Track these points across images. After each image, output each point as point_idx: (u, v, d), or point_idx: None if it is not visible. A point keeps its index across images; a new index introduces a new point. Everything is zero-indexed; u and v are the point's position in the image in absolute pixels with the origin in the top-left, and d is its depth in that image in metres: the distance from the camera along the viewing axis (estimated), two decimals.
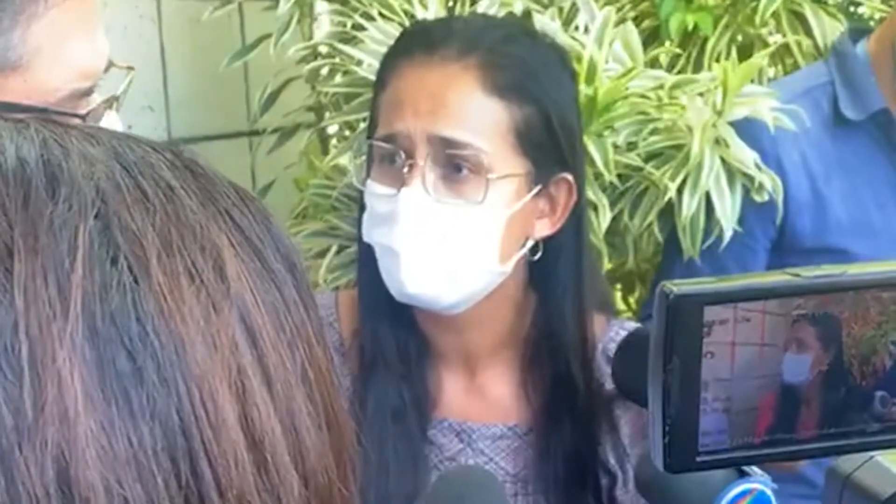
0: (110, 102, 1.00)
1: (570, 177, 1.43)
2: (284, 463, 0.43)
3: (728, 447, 0.73)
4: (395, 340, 1.46)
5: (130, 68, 1.02)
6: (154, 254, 0.41)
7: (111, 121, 0.98)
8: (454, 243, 1.37)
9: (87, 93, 0.97)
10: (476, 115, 1.37)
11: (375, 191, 1.40)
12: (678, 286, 0.70)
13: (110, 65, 0.99)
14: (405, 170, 1.37)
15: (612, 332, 1.49)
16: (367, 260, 1.43)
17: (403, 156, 1.37)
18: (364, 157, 1.45)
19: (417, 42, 1.43)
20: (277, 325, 0.44)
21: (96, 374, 0.39)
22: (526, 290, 1.47)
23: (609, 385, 1.43)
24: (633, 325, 1.56)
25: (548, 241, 1.44)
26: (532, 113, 1.39)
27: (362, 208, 1.45)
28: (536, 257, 1.43)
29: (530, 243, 1.43)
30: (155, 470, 0.40)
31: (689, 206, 1.79)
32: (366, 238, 1.43)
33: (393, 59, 1.44)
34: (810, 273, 0.73)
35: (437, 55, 1.39)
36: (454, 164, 1.37)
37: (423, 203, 1.36)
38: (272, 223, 0.47)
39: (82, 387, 0.39)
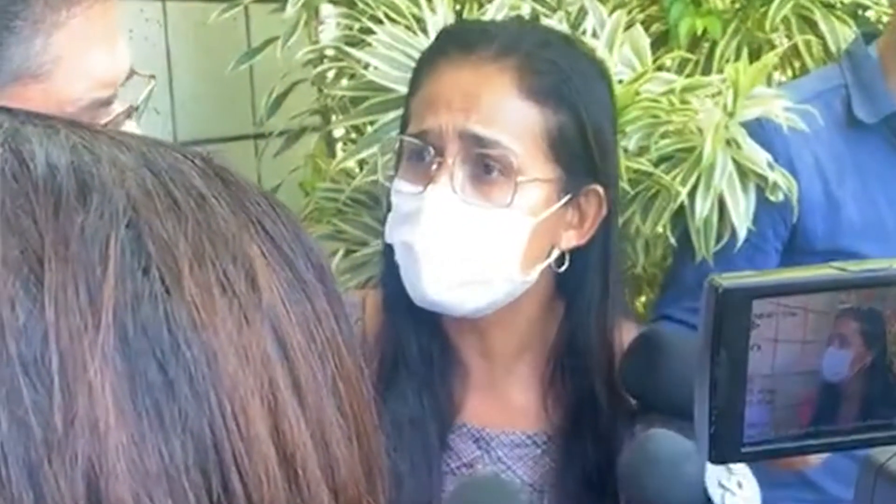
0: (129, 112, 0.99)
1: (600, 189, 1.40)
2: (315, 477, 0.43)
3: (772, 438, 0.74)
4: (419, 345, 1.43)
5: (152, 77, 1.02)
6: (186, 264, 0.41)
7: (130, 130, 0.98)
8: (477, 246, 1.35)
9: (107, 102, 0.96)
10: (510, 116, 1.35)
11: (401, 189, 1.38)
12: (727, 280, 0.71)
13: (132, 73, 0.99)
14: (433, 167, 1.35)
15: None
16: (391, 263, 1.40)
17: (433, 152, 1.35)
18: (391, 155, 1.43)
19: (454, 42, 1.42)
20: (308, 337, 0.43)
21: (127, 386, 0.39)
22: (553, 296, 1.44)
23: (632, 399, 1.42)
24: None
25: (574, 253, 1.42)
26: (566, 120, 1.37)
27: (388, 209, 1.43)
28: (562, 269, 1.41)
29: (556, 253, 1.40)
30: (186, 485, 0.39)
31: (702, 208, 1.79)
32: (388, 238, 1.40)
33: (429, 59, 1.43)
34: (857, 267, 0.73)
35: (473, 55, 1.37)
36: (484, 164, 1.35)
37: (449, 202, 1.34)
38: (302, 232, 0.46)
39: (113, 399, 0.38)
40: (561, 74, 1.38)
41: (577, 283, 1.42)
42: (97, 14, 0.94)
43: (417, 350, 1.43)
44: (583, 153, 1.39)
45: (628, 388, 1.34)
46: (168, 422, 0.39)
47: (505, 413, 1.46)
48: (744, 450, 0.73)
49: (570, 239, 1.41)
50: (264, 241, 0.44)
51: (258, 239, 0.43)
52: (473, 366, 1.46)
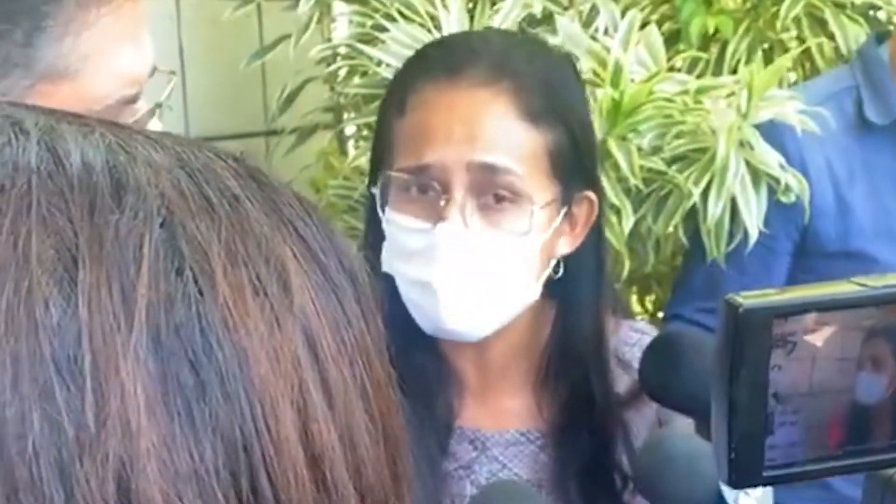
0: (154, 109, 0.99)
1: (592, 194, 1.40)
2: (343, 479, 0.43)
3: (796, 461, 0.72)
4: (414, 359, 1.41)
5: (172, 73, 1.01)
6: (219, 265, 0.40)
7: (154, 128, 0.98)
8: (493, 276, 1.34)
9: (134, 99, 0.96)
10: (513, 141, 1.33)
11: (404, 224, 1.35)
12: (746, 298, 0.69)
13: (154, 69, 0.98)
14: (441, 203, 1.32)
15: (622, 334, 1.47)
16: (389, 291, 1.36)
17: (439, 188, 1.32)
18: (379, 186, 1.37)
19: (439, 64, 1.37)
20: (339, 340, 0.43)
21: (159, 387, 0.39)
22: (544, 301, 1.43)
23: (621, 389, 1.43)
24: (642, 325, 1.56)
25: (567, 257, 1.42)
26: (561, 134, 1.36)
27: (372, 232, 1.40)
28: (559, 275, 1.41)
29: (553, 262, 1.41)
30: (215, 486, 0.39)
31: (715, 209, 1.79)
32: (387, 268, 1.36)
33: (413, 81, 1.38)
34: (878, 283, 0.71)
35: (463, 79, 1.34)
36: (494, 193, 1.33)
37: (462, 238, 1.32)
38: (334, 234, 0.46)
39: (145, 399, 0.38)
40: (551, 89, 1.37)
41: (572, 286, 1.42)
42: (126, 12, 0.94)
43: (414, 366, 1.40)
44: (578, 164, 1.38)
45: (648, 390, 1.34)
46: (199, 423, 0.39)
47: (499, 415, 1.46)
48: (766, 473, 0.71)
49: (564, 246, 1.41)
50: (297, 243, 0.44)
51: (291, 241, 0.43)
52: (468, 375, 1.46)
